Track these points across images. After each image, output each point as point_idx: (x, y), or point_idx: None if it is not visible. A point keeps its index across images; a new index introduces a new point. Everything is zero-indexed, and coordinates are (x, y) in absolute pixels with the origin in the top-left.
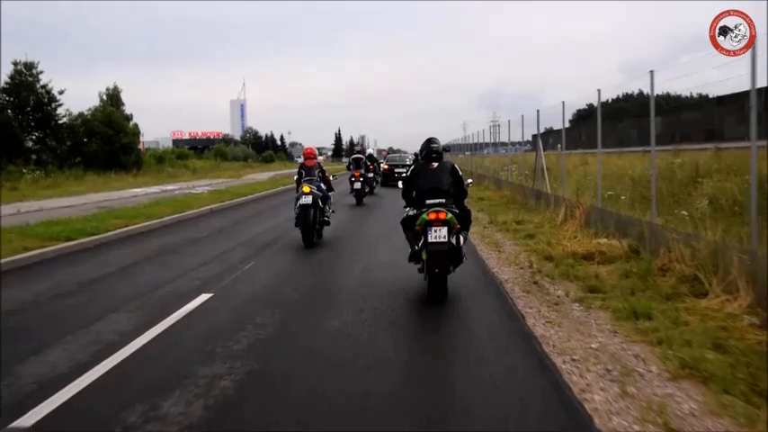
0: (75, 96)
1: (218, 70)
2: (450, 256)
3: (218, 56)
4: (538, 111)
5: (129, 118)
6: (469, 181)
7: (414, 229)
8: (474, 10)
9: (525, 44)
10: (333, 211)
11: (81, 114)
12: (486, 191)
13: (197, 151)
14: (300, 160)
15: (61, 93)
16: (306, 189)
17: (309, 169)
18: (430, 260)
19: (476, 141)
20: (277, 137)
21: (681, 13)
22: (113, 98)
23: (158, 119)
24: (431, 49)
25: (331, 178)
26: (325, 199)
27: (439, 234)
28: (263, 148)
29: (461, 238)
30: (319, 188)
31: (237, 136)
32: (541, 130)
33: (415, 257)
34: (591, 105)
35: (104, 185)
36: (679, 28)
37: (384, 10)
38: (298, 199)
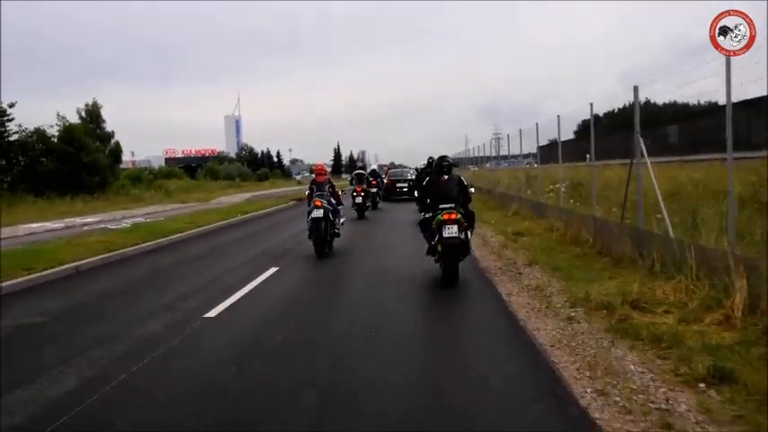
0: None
1: (215, 86)
2: (460, 247)
3: (214, 72)
4: (557, 117)
5: (110, 136)
6: (472, 189)
7: (430, 227)
8: (473, 22)
9: (523, 56)
10: (342, 224)
11: (37, 130)
12: (519, 220)
13: (189, 170)
14: (299, 177)
15: (11, 106)
16: (318, 203)
17: (320, 185)
18: (445, 251)
19: (478, 155)
20: (274, 153)
21: (685, 17)
22: (93, 115)
23: (154, 137)
24: (430, 61)
25: (340, 193)
26: (336, 212)
27: (451, 230)
28: (260, 166)
29: (468, 234)
30: (329, 202)
31: (233, 153)
32: (545, 142)
33: (431, 251)
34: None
35: (23, 215)
36: (685, 32)
37: (384, 25)
38: (310, 212)
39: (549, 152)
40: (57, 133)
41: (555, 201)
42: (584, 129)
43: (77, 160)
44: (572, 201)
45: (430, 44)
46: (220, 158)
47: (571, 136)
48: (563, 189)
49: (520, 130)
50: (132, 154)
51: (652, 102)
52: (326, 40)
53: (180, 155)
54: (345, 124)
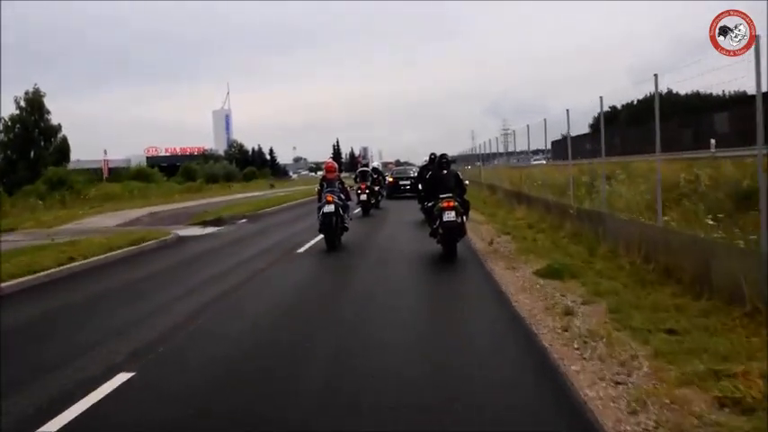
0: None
1: (213, 85)
2: (458, 229)
3: (210, 69)
4: (566, 111)
5: (55, 130)
6: (467, 182)
7: (433, 213)
8: (479, 17)
9: (531, 51)
10: (351, 219)
11: None
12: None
13: (172, 170)
14: (295, 177)
15: None
16: (329, 198)
17: (331, 181)
18: (445, 233)
19: (485, 152)
20: (273, 151)
21: (689, 14)
22: (34, 104)
23: (138, 135)
24: (436, 57)
25: (349, 189)
26: (345, 207)
27: (450, 215)
28: (250, 164)
29: (464, 218)
30: (340, 198)
31: (222, 150)
32: (557, 137)
33: (434, 234)
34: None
35: None
36: (688, 30)
37: (386, 18)
38: (320, 208)
39: (559, 148)
40: None
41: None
42: (598, 122)
43: None
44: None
45: (438, 40)
46: (206, 156)
47: (585, 130)
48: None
49: (527, 126)
50: (105, 152)
51: (674, 92)
52: (331, 37)
53: (164, 153)
54: (350, 122)
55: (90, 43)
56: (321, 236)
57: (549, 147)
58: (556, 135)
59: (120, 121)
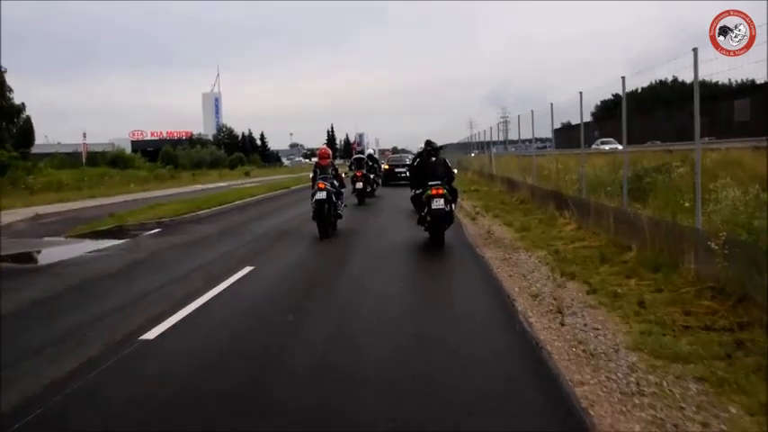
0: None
1: (194, 65)
2: (446, 217)
3: (204, 56)
4: (579, 93)
5: (18, 110)
6: (455, 170)
7: (421, 201)
8: (477, 6)
9: (529, 40)
10: (345, 206)
11: None
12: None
13: (154, 154)
14: (288, 163)
15: None
16: (321, 185)
17: (324, 168)
18: (433, 220)
19: (483, 140)
20: (264, 136)
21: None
22: None
23: (130, 119)
24: (435, 44)
25: (343, 175)
26: (339, 195)
27: (439, 202)
28: (239, 150)
29: (453, 206)
30: (332, 185)
31: (211, 135)
32: (557, 126)
33: (422, 222)
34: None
35: None
36: (687, 24)
37: (384, 7)
38: (313, 195)
39: (564, 136)
40: None
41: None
42: (603, 110)
43: None
44: None
45: (434, 29)
46: (192, 141)
47: (588, 118)
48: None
49: (532, 111)
50: (84, 136)
51: (680, 80)
52: (326, 21)
53: (150, 137)
54: (348, 109)
55: (82, 24)
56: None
57: (544, 136)
58: (555, 123)
59: (110, 104)
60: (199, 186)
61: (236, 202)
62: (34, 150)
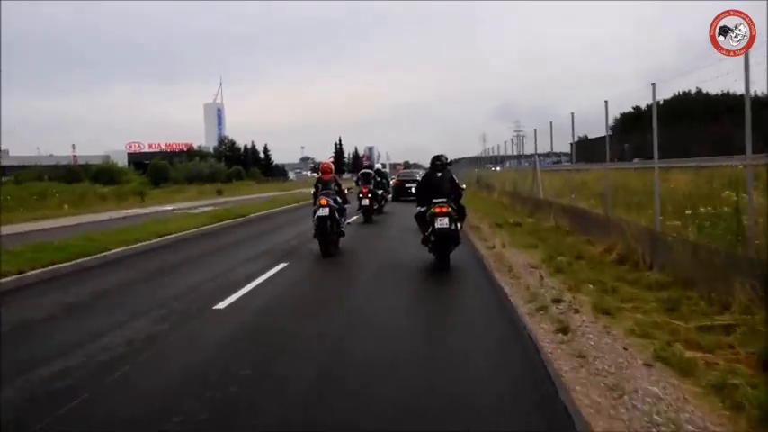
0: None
1: (204, 77)
2: (451, 237)
3: (203, 60)
4: (605, 102)
5: None
6: (463, 186)
7: (425, 219)
8: (489, 19)
9: (541, 55)
10: (348, 223)
11: None
12: None
13: (148, 168)
14: (294, 177)
15: None
16: (323, 202)
17: (326, 183)
18: (437, 241)
19: (497, 154)
20: (272, 150)
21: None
22: None
23: (132, 130)
24: (446, 59)
25: (346, 191)
26: (341, 211)
27: (443, 222)
28: (242, 163)
29: (459, 225)
30: (335, 201)
31: (213, 147)
32: (575, 139)
33: (425, 241)
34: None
35: None
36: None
37: (397, 19)
38: (315, 211)
39: (584, 150)
40: None
41: None
42: (623, 122)
43: None
44: None
45: (447, 43)
46: (191, 154)
47: (605, 132)
48: None
49: (551, 123)
50: (73, 148)
51: (704, 92)
52: (336, 34)
53: (147, 149)
54: (359, 122)
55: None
56: None
57: (558, 150)
58: (567, 137)
59: (111, 117)
60: (136, 211)
61: (106, 253)
62: (19, 162)
